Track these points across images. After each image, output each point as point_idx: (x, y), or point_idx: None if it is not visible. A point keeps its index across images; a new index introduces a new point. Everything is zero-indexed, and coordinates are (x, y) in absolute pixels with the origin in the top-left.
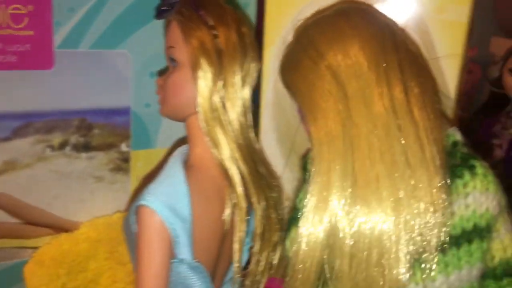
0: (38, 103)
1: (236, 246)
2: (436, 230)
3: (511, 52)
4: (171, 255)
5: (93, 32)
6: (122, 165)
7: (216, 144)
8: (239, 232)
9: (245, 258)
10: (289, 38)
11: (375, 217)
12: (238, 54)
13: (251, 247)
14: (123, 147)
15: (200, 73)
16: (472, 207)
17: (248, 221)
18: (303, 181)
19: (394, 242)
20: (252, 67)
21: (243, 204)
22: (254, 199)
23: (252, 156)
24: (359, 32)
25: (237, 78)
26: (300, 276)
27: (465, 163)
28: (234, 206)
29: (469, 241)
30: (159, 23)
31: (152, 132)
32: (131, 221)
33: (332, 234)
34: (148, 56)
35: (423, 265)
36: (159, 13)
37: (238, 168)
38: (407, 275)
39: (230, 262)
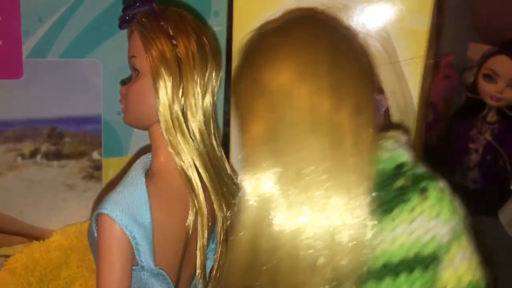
0: (8, 112)
1: (198, 252)
2: (352, 258)
3: (485, 58)
4: (132, 262)
5: (63, 42)
6: (94, 173)
7: (177, 152)
8: (201, 239)
9: (209, 264)
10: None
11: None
12: (198, 63)
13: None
14: (95, 155)
15: (161, 83)
16: (416, 234)
17: (211, 228)
18: None
19: (309, 263)
20: (213, 76)
21: (204, 210)
22: (215, 206)
23: (214, 164)
24: (295, 53)
25: (198, 87)
26: None
27: (416, 185)
28: (197, 213)
29: (410, 270)
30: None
31: (123, 140)
32: (93, 229)
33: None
34: (118, 65)
35: None
36: (121, 23)
37: (199, 175)
38: None
39: (195, 269)
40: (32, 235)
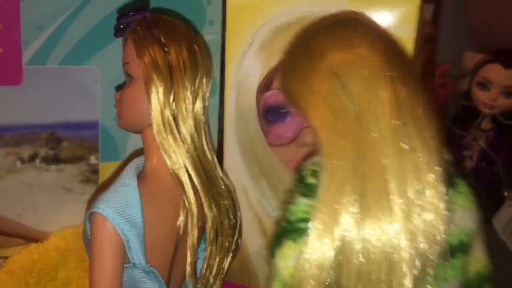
0: (8, 117)
1: (188, 251)
2: (439, 243)
3: (479, 66)
4: (124, 260)
5: (61, 49)
6: (91, 176)
7: (169, 155)
8: (192, 238)
9: (200, 263)
10: (290, 47)
11: (385, 232)
12: (189, 70)
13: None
14: (92, 159)
15: (153, 88)
16: (457, 224)
17: (202, 228)
18: (297, 193)
19: (402, 257)
20: (204, 82)
21: (194, 210)
22: (205, 206)
23: (204, 166)
24: (365, 40)
25: (188, 93)
26: None
27: (448, 180)
28: (187, 213)
29: (453, 256)
30: None
31: (120, 144)
32: (87, 228)
33: (342, 252)
34: (115, 72)
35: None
36: (116, 31)
37: (190, 177)
38: None
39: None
40: (30, 237)
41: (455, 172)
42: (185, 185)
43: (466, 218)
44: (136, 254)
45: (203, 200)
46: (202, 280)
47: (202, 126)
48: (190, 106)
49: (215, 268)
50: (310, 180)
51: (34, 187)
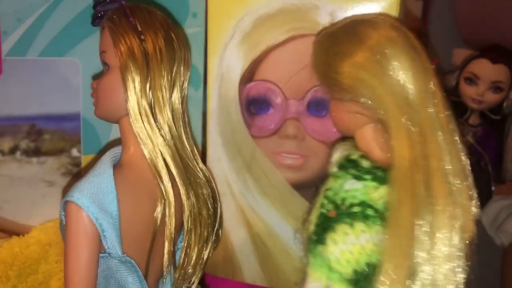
0: None
1: (166, 241)
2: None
3: (467, 62)
4: (99, 249)
5: (42, 40)
6: (74, 169)
7: (146, 144)
8: (169, 227)
9: (178, 253)
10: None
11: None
12: (165, 58)
13: None
14: (74, 152)
15: (129, 76)
16: None
17: (180, 218)
18: (346, 177)
19: None
20: (181, 70)
21: (172, 200)
22: (183, 195)
23: (181, 154)
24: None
25: (165, 81)
26: None
27: None
28: (165, 203)
29: None
30: None
31: (102, 137)
32: (62, 217)
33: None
34: (97, 63)
35: None
36: (93, 20)
37: (167, 166)
38: None
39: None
40: (11, 231)
41: None
42: (162, 174)
43: None
44: (112, 243)
45: (180, 188)
46: (180, 270)
47: (180, 115)
48: (167, 95)
49: (193, 258)
50: (364, 162)
51: (15, 180)
